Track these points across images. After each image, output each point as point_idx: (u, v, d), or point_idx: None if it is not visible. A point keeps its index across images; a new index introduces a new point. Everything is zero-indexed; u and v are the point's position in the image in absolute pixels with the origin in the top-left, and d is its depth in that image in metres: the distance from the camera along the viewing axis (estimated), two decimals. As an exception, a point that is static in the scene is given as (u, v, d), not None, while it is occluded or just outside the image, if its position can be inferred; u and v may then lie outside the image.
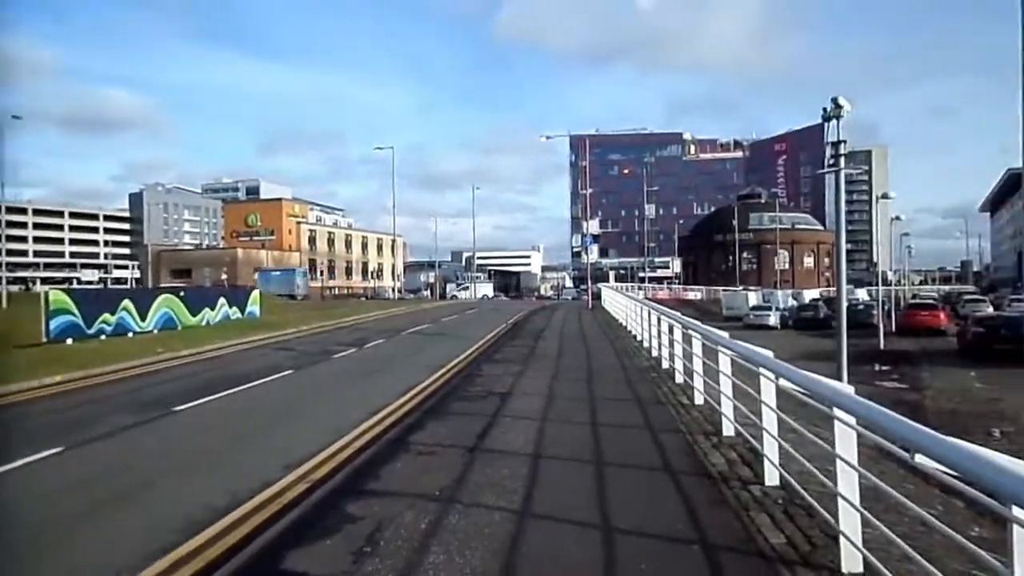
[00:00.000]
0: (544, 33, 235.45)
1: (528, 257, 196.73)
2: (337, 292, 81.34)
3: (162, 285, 62.57)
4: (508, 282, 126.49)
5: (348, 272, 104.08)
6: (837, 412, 3.90)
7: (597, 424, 8.46)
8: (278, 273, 65.64)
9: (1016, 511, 2.24)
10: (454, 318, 31.65)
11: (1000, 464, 2.28)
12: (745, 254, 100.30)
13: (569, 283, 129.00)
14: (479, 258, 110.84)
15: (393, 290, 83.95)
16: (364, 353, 16.96)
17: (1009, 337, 21.80)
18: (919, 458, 2.76)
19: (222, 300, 26.05)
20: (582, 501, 5.54)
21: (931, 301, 45.93)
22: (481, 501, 5.61)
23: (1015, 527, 2.32)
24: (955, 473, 2.50)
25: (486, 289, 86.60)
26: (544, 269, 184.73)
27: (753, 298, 53.37)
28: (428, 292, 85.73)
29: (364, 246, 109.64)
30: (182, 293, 23.74)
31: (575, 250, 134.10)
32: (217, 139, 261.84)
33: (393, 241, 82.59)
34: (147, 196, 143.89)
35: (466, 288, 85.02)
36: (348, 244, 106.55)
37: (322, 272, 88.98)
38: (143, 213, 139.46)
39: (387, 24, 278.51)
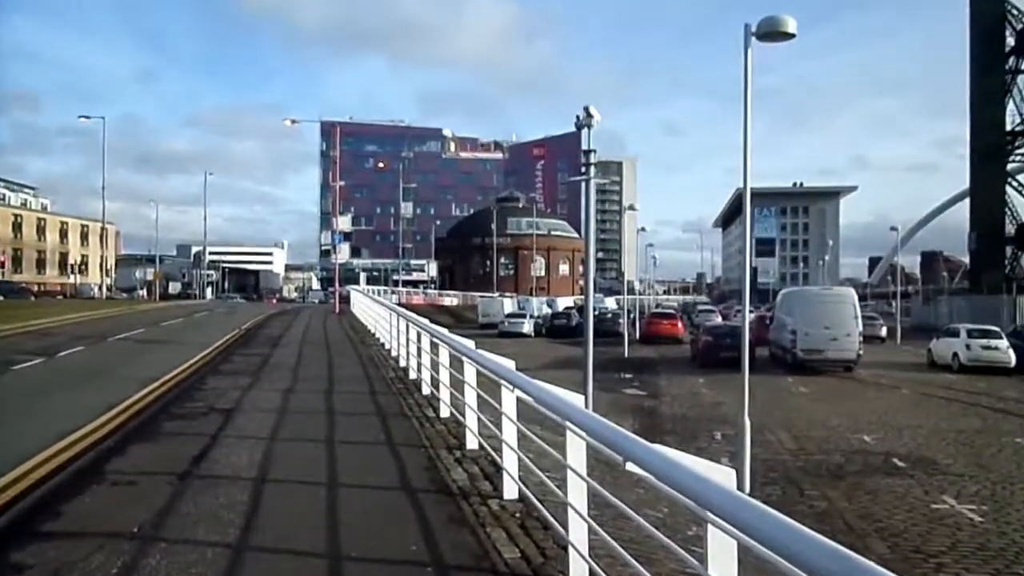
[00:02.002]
0: (293, 9, 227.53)
1: (270, 254, 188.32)
2: (22, 289, 70.61)
3: None
4: (246, 282, 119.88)
5: (40, 265, 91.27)
6: (568, 424, 4.20)
7: (335, 441, 8.34)
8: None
9: (710, 515, 2.58)
10: (178, 322, 29.51)
11: (696, 472, 2.62)
12: (503, 259, 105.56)
13: (316, 285, 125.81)
14: (212, 253, 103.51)
15: (101, 288, 75.03)
16: (56, 364, 15.06)
17: (733, 345, 25.43)
18: (630, 466, 3.08)
19: None
20: (310, 528, 5.40)
21: (671, 311, 52.04)
22: (190, 536, 5.23)
23: (710, 527, 2.68)
24: (663, 480, 2.83)
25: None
26: (288, 268, 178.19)
27: (509, 305, 56.18)
28: (145, 292, 78.19)
29: (63, 234, 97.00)
30: None
31: (324, 248, 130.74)
32: None
33: (102, 229, 73.87)
34: None
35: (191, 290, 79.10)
36: (40, 231, 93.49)
37: (1, 263, 77.00)
38: None
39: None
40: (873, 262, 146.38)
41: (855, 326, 26.99)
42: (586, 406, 4.96)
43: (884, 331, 43.59)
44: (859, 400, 21.14)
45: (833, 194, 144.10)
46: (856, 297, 28.62)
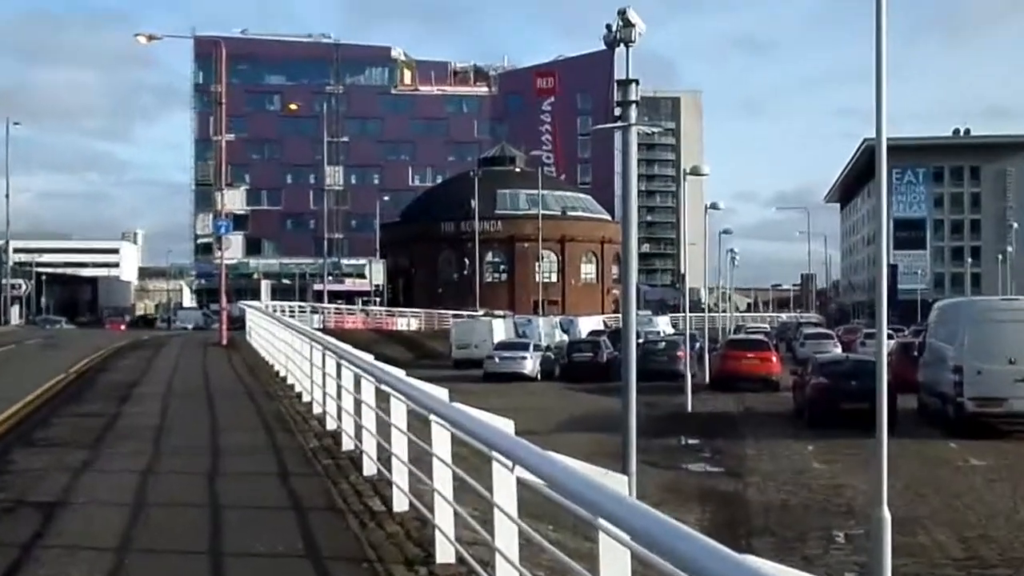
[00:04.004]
0: None
1: (114, 252, 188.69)
2: None
3: None
4: (76, 296, 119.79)
5: None
6: (601, 522, 4.34)
7: (223, 555, 8.30)
8: None
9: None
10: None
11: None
12: (490, 256, 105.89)
13: (189, 300, 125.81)
14: (20, 251, 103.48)
15: None
16: None
17: (859, 391, 25.38)
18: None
19: None
20: None
21: (759, 337, 52.12)
22: None
23: None
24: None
25: None
26: (145, 274, 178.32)
27: (500, 330, 56.17)
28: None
29: None
30: None
31: (201, 242, 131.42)
32: None
33: None
34: None
35: None
36: None
37: None
38: None
39: None
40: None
41: (1058, 358, 27.03)
42: (629, 490, 5.21)
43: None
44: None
45: (1019, 147, 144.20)
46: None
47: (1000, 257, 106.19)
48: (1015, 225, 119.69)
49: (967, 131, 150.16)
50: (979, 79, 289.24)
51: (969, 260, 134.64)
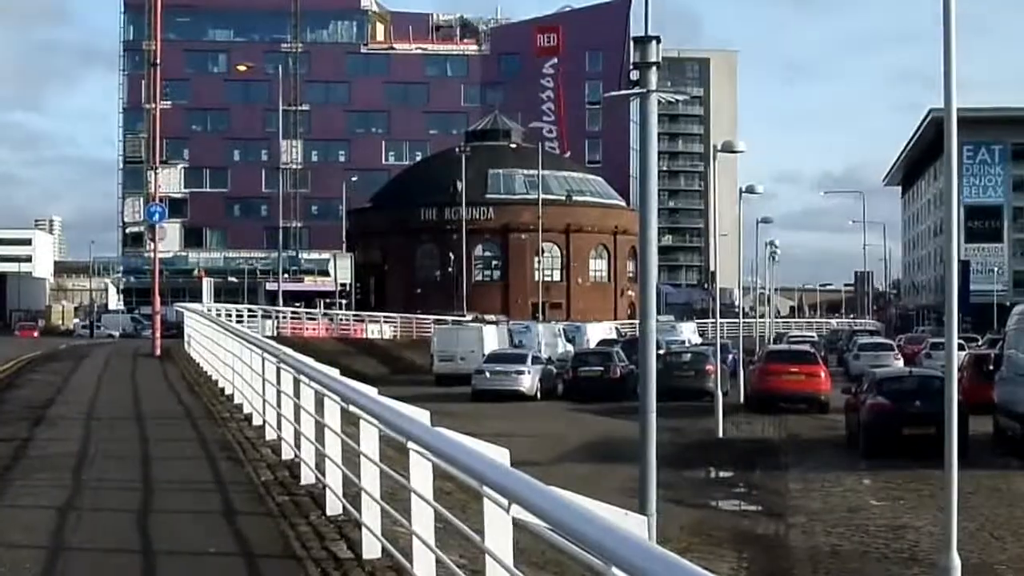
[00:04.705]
0: None
1: (26, 244, 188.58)
2: None
3: None
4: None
5: None
6: (615, 572, 4.34)
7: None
8: None
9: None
10: None
11: None
12: (480, 249, 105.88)
13: (116, 302, 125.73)
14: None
15: None
16: None
17: (925, 414, 25.39)
18: None
19: None
20: None
21: (805, 348, 52.19)
22: None
23: None
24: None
25: None
26: (61, 270, 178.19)
27: (492, 339, 56.23)
28: None
29: None
30: None
31: (130, 231, 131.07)
32: None
33: None
34: None
35: None
36: None
37: None
38: None
39: None
40: None
41: None
42: (649, 533, 5.20)
43: None
44: None
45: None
46: None
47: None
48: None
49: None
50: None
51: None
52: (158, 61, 47.36)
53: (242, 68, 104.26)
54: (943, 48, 12.25)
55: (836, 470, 27.17)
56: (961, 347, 42.50)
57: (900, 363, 52.00)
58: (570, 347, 59.51)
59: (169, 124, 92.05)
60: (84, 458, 15.79)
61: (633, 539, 4.05)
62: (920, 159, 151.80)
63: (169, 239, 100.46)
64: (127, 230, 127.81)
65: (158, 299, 45.05)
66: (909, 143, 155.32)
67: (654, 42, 15.92)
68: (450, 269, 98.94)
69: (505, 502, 5.88)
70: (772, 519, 21.76)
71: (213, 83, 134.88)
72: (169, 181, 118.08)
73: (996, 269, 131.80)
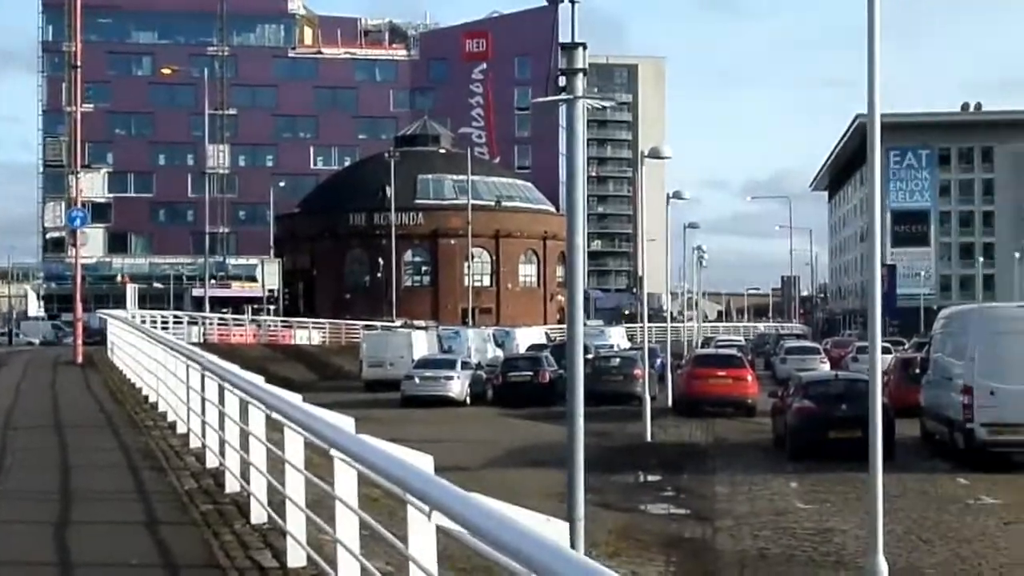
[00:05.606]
0: None
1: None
2: None
3: None
4: None
5: None
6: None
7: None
8: None
9: None
10: None
11: None
12: (409, 255, 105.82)
13: (36, 308, 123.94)
14: None
15: None
16: None
17: (851, 418, 25.63)
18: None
19: None
20: None
21: (732, 352, 52.58)
22: None
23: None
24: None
25: None
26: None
27: (421, 344, 56.24)
28: None
29: None
30: None
31: (51, 237, 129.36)
32: None
33: None
34: None
35: None
36: None
37: None
38: None
39: None
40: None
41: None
42: (572, 541, 5.23)
43: None
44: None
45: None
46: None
47: (1017, 255, 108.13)
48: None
49: (978, 106, 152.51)
50: (992, 46, 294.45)
51: (981, 259, 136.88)
52: (78, 63, 46.85)
53: (167, 71, 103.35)
54: (867, 55, 12.40)
55: (763, 473, 27.37)
56: (887, 351, 43.28)
57: (826, 367, 52.50)
58: (500, 352, 59.59)
59: (91, 128, 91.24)
60: (0, 469, 15.58)
61: (552, 546, 4.10)
62: (846, 165, 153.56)
63: (92, 244, 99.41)
64: (47, 235, 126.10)
65: (80, 305, 44.55)
66: (835, 149, 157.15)
67: (580, 48, 15.97)
68: (379, 275, 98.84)
69: (427, 508, 5.89)
70: (700, 523, 21.87)
71: (137, 86, 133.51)
72: (91, 186, 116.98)
73: (923, 273, 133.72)
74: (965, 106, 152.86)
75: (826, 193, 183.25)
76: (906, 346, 61.18)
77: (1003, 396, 27.13)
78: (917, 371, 35.20)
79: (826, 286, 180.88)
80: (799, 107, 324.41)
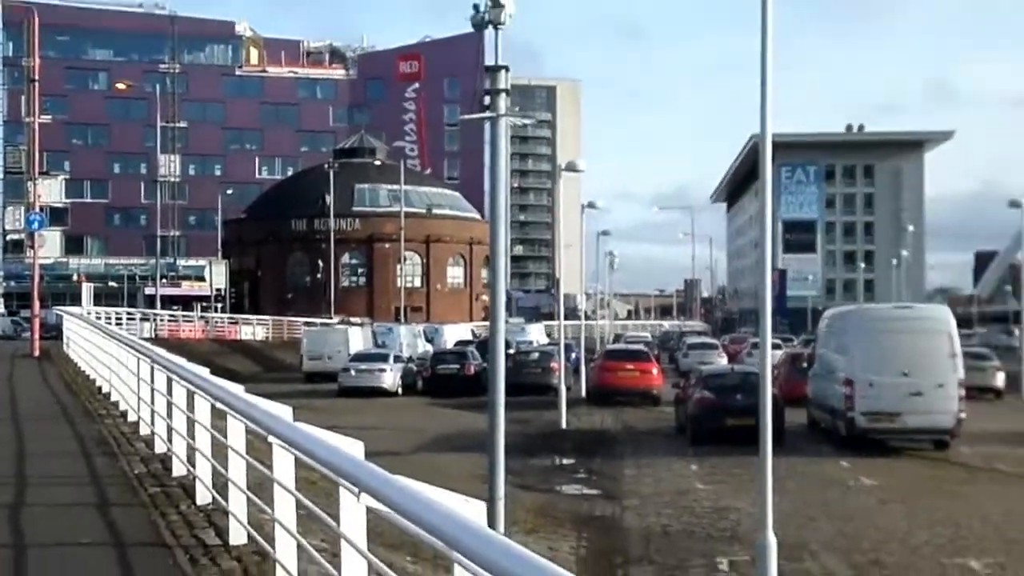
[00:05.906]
0: None
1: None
2: None
3: None
4: None
5: None
6: (456, 556, 4.35)
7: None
8: None
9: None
10: None
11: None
12: (346, 258, 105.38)
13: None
14: None
15: None
16: None
17: (745, 407, 25.88)
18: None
19: None
20: None
21: (639, 347, 52.89)
22: None
23: None
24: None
25: None
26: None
27: (357, 339, 56.07)
28: None
29: None
30: None
31: (10, 238, 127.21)
32: None
33: None
34: None
35: None
36: None
37: None
38: None
39: None
40: (982, 260, 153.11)
41: (952, 371, 27.95)
42: (492, 519, 5.32)
43: (1001, 379, 45.40)
44: (960, 500, 21.92)
45: (914, 145, 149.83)
46: (954, 322, 29.64)
47: (895, 262, 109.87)
48: (910, 228, 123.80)
49: (860, 127, 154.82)
50: (871, 73, 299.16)
51: (862, 265, 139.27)
52: (36, 77, 46.25)
53: (122, 86, 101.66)
54: (760, 80, 12.50)
55: (666, 457, 27.52)
56: (778, 347, 43.77)
57: (724, 361, 53.01)
58: (429, 347, 59.48)
59: (50, 137, 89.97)
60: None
61: (470, 524, 4.18)
62: (743, 179, 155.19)
63: (50, 246, 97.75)
64: (7, 237, 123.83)
65: (37, 302, 44.01)
66: (733, 164, 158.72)
67: (503, 71, 16.01)
68: (319, 275, 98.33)
69: (356, 490, 5.87)
70: (609, 502, 21.95)
71: (94, 99, 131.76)
72: (49, 191, 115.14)
73: (810, 277, 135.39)
74: (849, 127, 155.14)
75: (725, 204, 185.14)
76: (795, 343, 61.98)
77: (880, 388, 27.57)
78: (804, 365, 35.64)
79: (724, 288, 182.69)
80: (701, 126, 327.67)
